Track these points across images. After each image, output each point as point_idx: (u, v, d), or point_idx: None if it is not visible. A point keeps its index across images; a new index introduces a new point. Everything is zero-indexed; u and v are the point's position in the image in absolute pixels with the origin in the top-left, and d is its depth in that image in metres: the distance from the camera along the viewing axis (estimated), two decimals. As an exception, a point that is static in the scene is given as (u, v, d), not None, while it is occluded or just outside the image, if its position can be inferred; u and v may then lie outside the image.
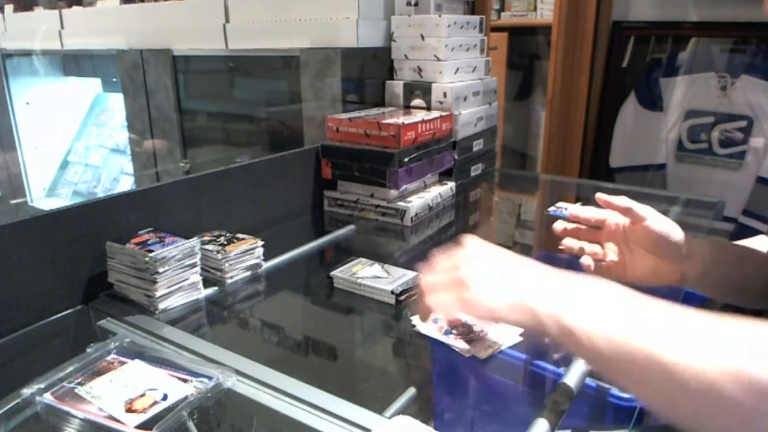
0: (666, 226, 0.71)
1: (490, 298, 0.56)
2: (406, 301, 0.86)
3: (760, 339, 0.43)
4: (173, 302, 0.84)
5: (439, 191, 1.33)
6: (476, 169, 1.54)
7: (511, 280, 0.57)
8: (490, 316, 0.56)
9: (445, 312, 0.61)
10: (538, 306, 0.53)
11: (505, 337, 0.75)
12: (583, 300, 0.52)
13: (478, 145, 1.52)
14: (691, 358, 0.43)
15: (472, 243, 0.63)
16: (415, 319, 0.80)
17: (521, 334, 0.75)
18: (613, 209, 0.73)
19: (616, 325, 0.48)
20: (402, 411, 0.61)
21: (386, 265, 0.95)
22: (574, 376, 0.63)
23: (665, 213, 0.72)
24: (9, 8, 2.47)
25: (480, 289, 0.57)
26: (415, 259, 1.11)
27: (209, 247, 0.92)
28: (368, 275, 0.91)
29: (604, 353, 0.48)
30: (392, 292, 0.86)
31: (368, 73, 1.46)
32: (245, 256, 0.94)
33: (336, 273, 0.93)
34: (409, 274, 0.91)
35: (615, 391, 0.66)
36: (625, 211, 0.72)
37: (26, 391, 0.62)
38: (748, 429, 0.41)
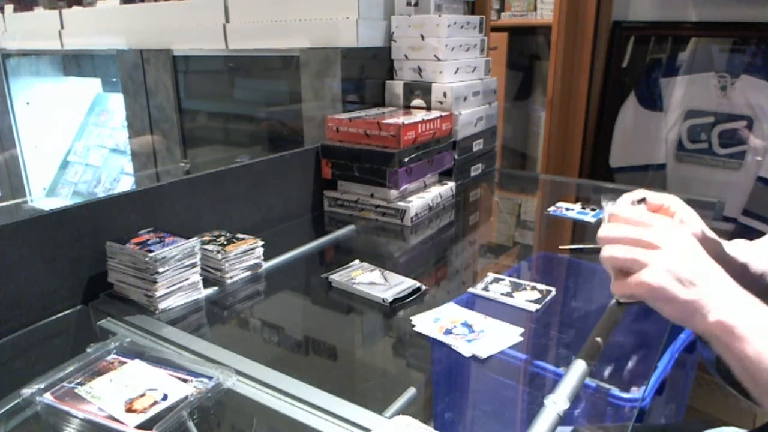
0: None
1: (668, 276, 0.53)
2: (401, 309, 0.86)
3: None
4: (173, 302, 0.84)
5: (439, 191, 1.33)
6: (476, 169, 1.54)
7: (697, 272, 0.54)
8: (651, 293, 0.53)
9: (613, 264, 0.57)
10: (712, 315, 0.52)
11: (505, 337, 0.75)
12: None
13: (478, 145, 1.52)
14: None
15: (676, 202, 0.62)
16: (415, 319, 0.80)
17: (521, 334, 0.75)
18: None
19: None
20: (402, 411, 0.61)
21: (386, 272, 0.95)
22: (574, 374, 0.63)
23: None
24: (9, 8, 2.47)
25: (666, 263, 0.53)
26: (414, 259, 1.12)
27: (209, 247, 0.92)
28: (365, 281, 0.91)
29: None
30: (384, 301, 0.85)
31: (368, 73, 1.46)
32: (245, 256, 0.94)
33: (334, 277, 0.93)
34: (407, 282, 0.90)
35: (615, 391, 0.66)
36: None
37: (26, 391, 0.62)
38: None
